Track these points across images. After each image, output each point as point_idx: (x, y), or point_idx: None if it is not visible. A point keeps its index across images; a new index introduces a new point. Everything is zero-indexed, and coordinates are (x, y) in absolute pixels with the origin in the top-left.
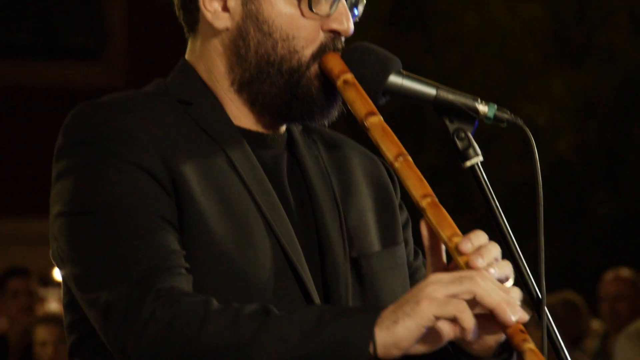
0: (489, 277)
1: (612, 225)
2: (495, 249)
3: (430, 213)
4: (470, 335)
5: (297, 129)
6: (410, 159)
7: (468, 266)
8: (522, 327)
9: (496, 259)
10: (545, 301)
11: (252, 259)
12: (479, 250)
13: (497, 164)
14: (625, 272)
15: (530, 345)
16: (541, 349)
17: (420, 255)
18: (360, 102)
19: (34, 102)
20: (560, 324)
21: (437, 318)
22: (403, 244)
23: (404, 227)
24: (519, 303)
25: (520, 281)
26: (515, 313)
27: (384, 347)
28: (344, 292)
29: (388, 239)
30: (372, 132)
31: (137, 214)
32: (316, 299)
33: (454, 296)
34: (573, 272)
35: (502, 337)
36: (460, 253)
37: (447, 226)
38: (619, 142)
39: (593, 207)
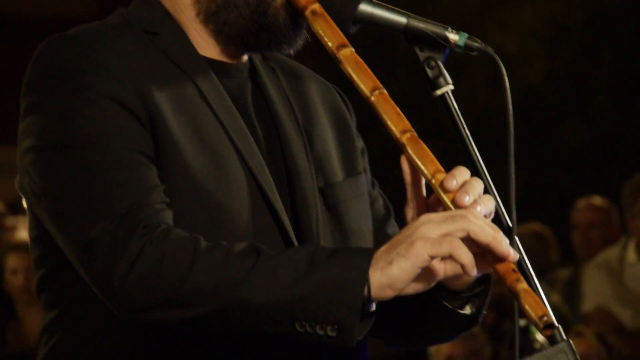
0: (479, 215)
1: (582, 154)
2: (479, 185)
3: (411, 149)
4: (471, 271)
5: (257, 58)
6: (386, 92)
7: (454, 203)
8: (513, 266)
9: (480, 195)
10: (515, 230)
11: (228, 191)
12: (464, 187)
13: (467, 91)
14: (597, 200)
15: (523, 285)
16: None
17: (377, 185)
18: (330, 33)
19: (2, 31)
20: (528, 255)
21: (432, 257)
22: (363, 173)
23: (362, 155)
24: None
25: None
26: (506, 247)
27: (378, 288)
28: (314, 222)
29: (350, 168)
30: (344, 65)
31: (116, 149)
32: (289, 230)
33: (448, 235)
34: (543, 201)
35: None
36: (446, 190)
37: (429, 162)
38: (589, 69)
39: (563, 136)
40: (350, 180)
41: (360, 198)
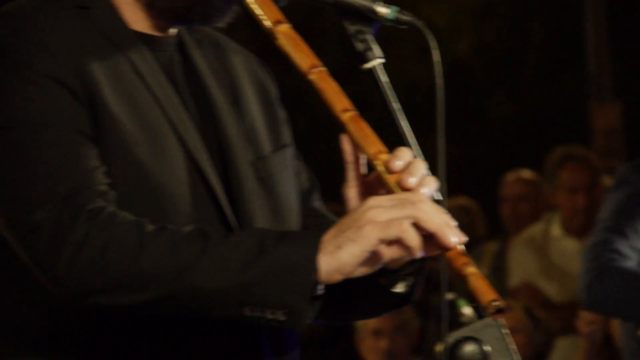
0: (427, 200)
1: (510, 127)
2: (422, 166)
3: (352, 128)
4: (418, 253)
5: (184, 30)
6: (325, 70)
7: (400, 185)
8: (461, 250)
9: (424, 176)
10: (446, 204)
11: (166, 169)
12: (408, 168)
13: (396, 64)
14: (526, 173)
15: (471, 269)
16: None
17: (301, 158)
18: (265, 8)
19: None
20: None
21: (381, 241)
22: (289, 146)
23: (286, 126)
24: (455, 224)
25: None
26: (454, 235)
27: (327, 273)
28: (247, 195)
29: (277, 140)
30: (281, 41)
31: (56, 130)
32: (225, 205)
33: (396, 219)
34: (471, 175)
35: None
36: (390, 171)
37: (371, 142)
38: (517, 43)
39: (492, 109)
40: (278, 153)
41: (288, 171)
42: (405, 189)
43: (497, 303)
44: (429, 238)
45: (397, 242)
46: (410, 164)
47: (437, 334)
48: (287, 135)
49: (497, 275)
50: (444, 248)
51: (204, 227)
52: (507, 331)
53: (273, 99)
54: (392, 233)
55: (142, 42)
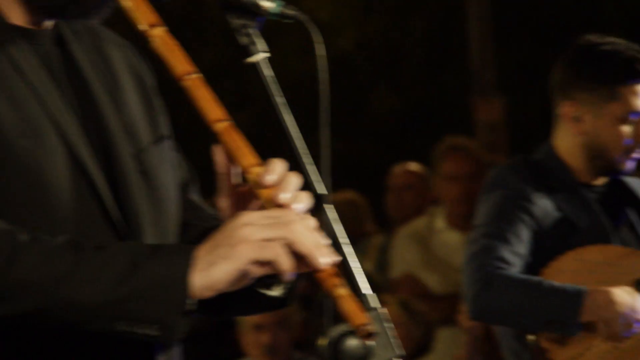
0: (300, 219)
1: (394, 122)
2: (295, 180)
3: (225, 139)
4: (288, 276)
5: (61, 22)
6: (200, 77)
7: (273, 201)
8: (334, 271)
9: (298, 191)
10: (329, 199)
11: (47, 164)
12: (281, 183)
13: (280, 59)
14: (412, 165)
15: (341, 290)
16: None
17: (180, 150)
18: (140, 10)
19: None
20: (343, 223)
21: (254, 262)
22: (167, 138)
23: (163, 116)
24: (327, 244)
25: (304, 181)
26: (325, 257)
27: (199, 289)
28: (131, 190)
29: (155, 132)
30: (156, 45)
31: None
32: (108, 199)
33: (270, 240)
34: (356, 169)
35: None
36: (262, 186)
37: (243, 154)
38: (400, 38)
39: (375, 103)
40: (158, 145)
41: (167, 164)
42: (279, 206)
43: (365, 327)
44: (301, 258)
45: (269, 262)
46: (283, 178)
47: (320, 328)
48: (164, 125)
49: (382, 269)
50: (315, 269)
51: (78, 237)
52: (391, 325)
53: (149, 89)
54: (265, 255)
55: (20, 35)
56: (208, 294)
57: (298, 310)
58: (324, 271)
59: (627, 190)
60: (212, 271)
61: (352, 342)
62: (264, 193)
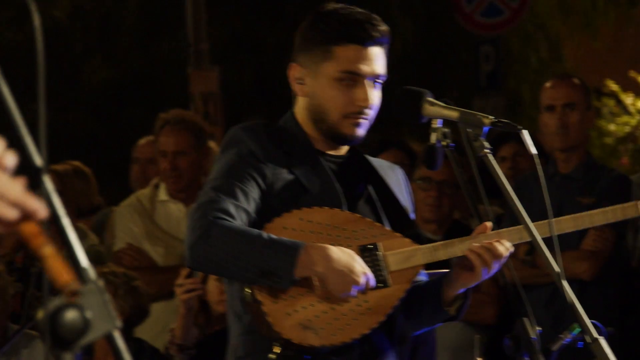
0: (3, 173)
1: (109, 92)
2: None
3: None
4: None
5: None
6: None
7: None
8: (38, 230)
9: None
10: (47, 170)
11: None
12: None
13: None
14: (148, 139)
15: (47, 249)
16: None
17: None
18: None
19: None
20: (73, 194)
21: None
22: None
23: None
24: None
25: (22, 152)
26: (35, 203)
27: None
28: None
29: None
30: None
31: None
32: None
33: None
34: (71, 140)
35: None
36: None
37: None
38: (114, 9)
39: (89, 73)
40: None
41: None
42: None
43: (71, 286)
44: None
45: None
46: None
47: (38, 300)
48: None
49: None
50: (24, 223)
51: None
52: (109, 297)
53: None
54: None
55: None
56: None
57: (14, 281)
58: (30, 226)
59: (370, 168)
60: None
61: (70, 315)
62: None
